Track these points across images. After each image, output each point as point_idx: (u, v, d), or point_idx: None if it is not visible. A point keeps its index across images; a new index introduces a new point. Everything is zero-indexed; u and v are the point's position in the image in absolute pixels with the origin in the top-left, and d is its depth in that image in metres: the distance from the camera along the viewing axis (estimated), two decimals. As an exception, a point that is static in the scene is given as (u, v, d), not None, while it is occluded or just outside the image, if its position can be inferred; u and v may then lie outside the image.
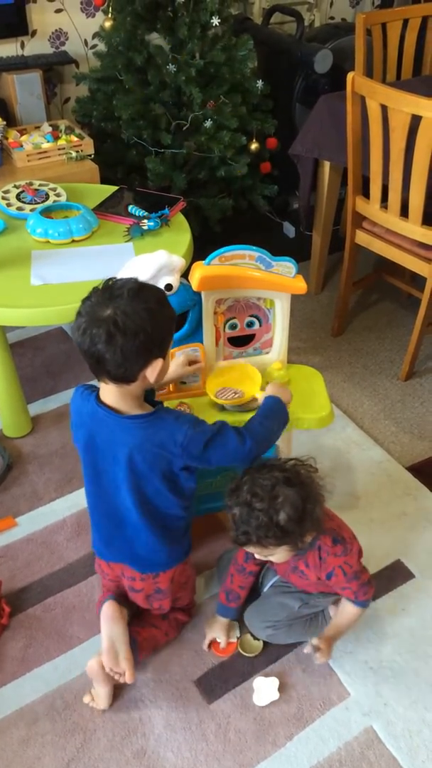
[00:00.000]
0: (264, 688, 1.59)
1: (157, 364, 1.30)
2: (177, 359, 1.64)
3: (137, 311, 1.23)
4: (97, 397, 1.38)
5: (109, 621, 1.54)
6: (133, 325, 1.23)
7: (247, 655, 1.65)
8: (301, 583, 1.59)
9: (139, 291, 1.26)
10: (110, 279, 1.30)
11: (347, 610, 1.57)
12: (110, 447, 1.39)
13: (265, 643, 1.67)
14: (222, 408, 1.67)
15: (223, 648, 1.66)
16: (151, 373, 1.30)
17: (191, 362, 1.66)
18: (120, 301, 1.24)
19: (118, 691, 1.59)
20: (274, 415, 1.49)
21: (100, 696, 1.56)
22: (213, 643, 1.67)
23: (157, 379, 1.32)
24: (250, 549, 1.43)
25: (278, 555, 1.43)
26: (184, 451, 1.36)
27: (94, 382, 1.40)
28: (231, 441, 1.40)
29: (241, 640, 1.67)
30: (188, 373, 1.66)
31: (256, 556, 1.48)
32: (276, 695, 1.58)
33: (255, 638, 1.67)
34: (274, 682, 1.59)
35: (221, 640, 1.66)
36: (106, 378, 1.31)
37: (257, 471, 1.40)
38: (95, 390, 1.40)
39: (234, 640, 1.67)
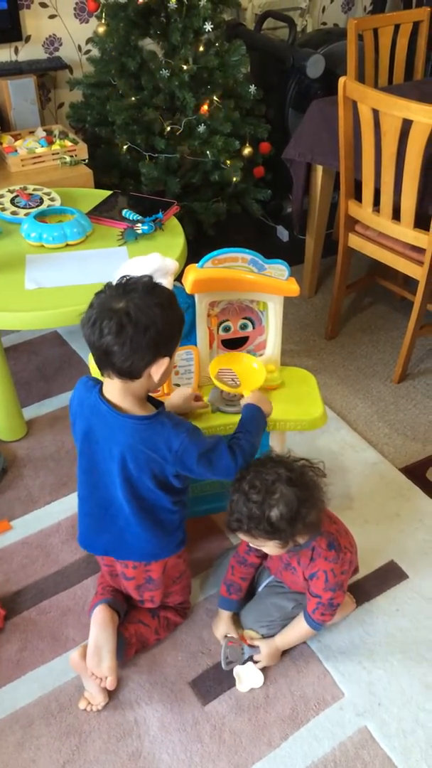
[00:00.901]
0: (245, 675, 1.60)
1: (163, 362, 1.31)
2: (183, 392, 1.63)
3: (150, 306, 1.25)
4: (100, 390, 1.39)
5: (99, 626, 1.54)
6: (144, 318, 1.24)
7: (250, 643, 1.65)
8: (291, 581, 1.60)
9: (153, 287, 1.29)
10: (124, 276, 1.32)
11: (300, 624, 1.58)
12: (107, 442, 1.40)
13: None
14: (217, 409, 1.67)
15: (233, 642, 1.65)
16: (156, 371, 1.31)
17: (197, 399, 1.66)
18: (134, 295, 1.26)
19: (113, 692, 1.59)
20: (257, 429, 1.51)
21: (93, 694, 1.56)
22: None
23: (161, 379, 1.33)
24: (242, 536, 1.44)
25: (269, 548, 1.44)
26: (177, 459, 1.38)
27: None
28: (224, 458, 1.41)
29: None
30: (194, 408, 1.64)
31: (250, 544, 1.49)
32: (259, 681, 1.59)
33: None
34: (253, 669, 1.60)
35: (232, 634, 1.66)
36: (111, 371, 1.31)
37: (263, 464, 1.41)
38: (99, 383, 1.41)
39: (242, 631, 1.68)
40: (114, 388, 1.36)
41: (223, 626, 1.68)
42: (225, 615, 1.68)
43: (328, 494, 1.45)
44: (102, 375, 1.37)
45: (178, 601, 1.70)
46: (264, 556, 1.64)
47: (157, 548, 1.54)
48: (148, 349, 1.27)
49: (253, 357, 1.73)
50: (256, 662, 1.61)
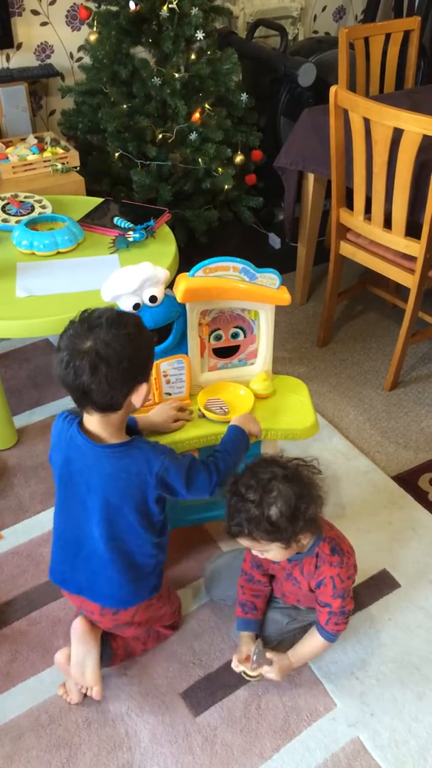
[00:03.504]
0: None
1: (142, 389, 1.31)
2: (164, 412, 1.63)
3: (118, 339, 1.24)
4: (80, 423, 1.38)
5: (77, 640, 1.53)
6: (115, 353, 1.23)
7: (250, 679, 1.60)
8: (293, 592, 1.58)
9: (117, 319, 1.27)
10: (86, 310, 1.30)
11: (314, 638, 1.54)
12: (84, 475, 1.38)
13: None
14: (202, 415, 1.67)
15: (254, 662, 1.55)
16: (137, 398, 1.31)
17: (176, 419, 1.65)
18: (100, 331, 1.24)
19: (103, 705, 1.58)
20: (236, 450, 1.51)
21: (72, 690, 1.56)
22: (247, 659, 1.56)
23: (141, 403, 1.33)
24: (244, 542, 1.42)
25: (273, 552, 1.42)
26: (159, 481, 1.37)
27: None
28: (199, 476, 1.42)
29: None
30: (173, 430, 1.63)
31: (253, 552, 1.47)
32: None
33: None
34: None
35: (254, 652, 1.54)
36: (91, 408, 1.31)
37: (257, 465, 1.41)
38: (79, 416, 1.40)
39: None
40: (94, 420, 1.35)
41: (246, 650, 1.58)
42: (246, 637, 1.59)
43: (324, 488, 1.44)
44: (82, 410, 1.36)
45: (167, 623, 1.68)
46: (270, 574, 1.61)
47: (128, 594, 1.49)
48: (125, 382, 1.27)
49: (240, 385, 1.73)
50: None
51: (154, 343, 1.37)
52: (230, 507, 1.38)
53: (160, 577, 1.54)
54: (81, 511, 1.42)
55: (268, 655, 1.55)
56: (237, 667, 1.58)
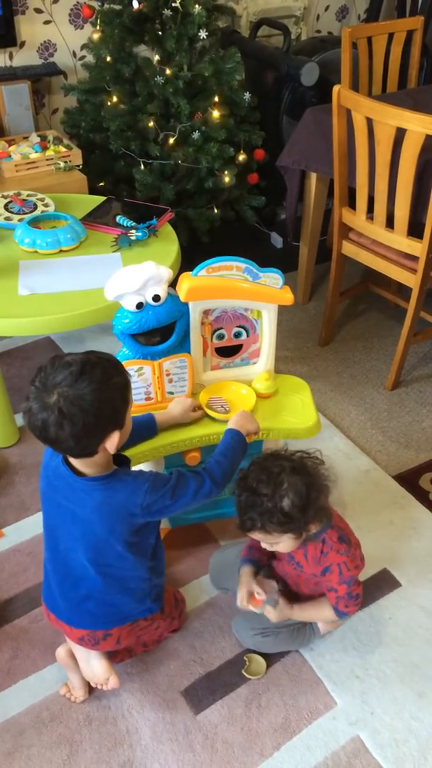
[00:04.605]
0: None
1: (114, 436, 1.27)
2: (183, 403, 1.63)
3: (82, 395, 1.19)
4: (65, 457, 1.35)
5: (64, 664, 1.56)
6: (78, 410, 1.19)
7: (251, 677, 1.62)
8: (293, 576, 1.59)
9: (82, 370, 1.21)
10: (55, 357, 1.25)
11: (324, 608, 1.57)
12: (69, 505, 1.36)
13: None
14: (206, 415, 1.68)
15: (260, 597, 1.57)
16: (110, 445, 1.27)
17: (196, 408, 1.65)
18: (63, 386, 1.19)
19: (104, 702, 1.58)
20: (231, 452, 1.49)
21: (75, 686, 1.56)
22: (251, 597, 1.58)
23: (117, 447, 1.29)
24: (256, 535, 1.45)
25: (283, 544, 1.45)
26: (145, 511, 1.34)
27: None
28: (190, 487, 1.39)
29: (247, 662, 1.65)
30: (193, 419, 1.64)
31: (262, 545, 1.49)
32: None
33: (261, 656, 1.65)
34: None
35: (256, 589, 1.58)
36: (66, 455, 1.31)
37: (264, 459, 1.44)
38: None
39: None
40: (74, 460, 1.33)
41: (246, 582, 1.59)
42: (246, 574, 1.60)
43: (330, 477, 1.47)
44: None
45: (175, 629, 1.68)
46: (269, 553, 1.62)
47: (119, 614, 1.47)
48: (94, 434, 1.24)
49: (241, 384, 1.73)
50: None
51: (129, 384, 1.31)
52: (241, 503, 1.41)
53: (156, 600, 1.53)
54: (67, 540, 1.41)
55: (281, 601, 1.58)
56: (242, 603, 1.58)
